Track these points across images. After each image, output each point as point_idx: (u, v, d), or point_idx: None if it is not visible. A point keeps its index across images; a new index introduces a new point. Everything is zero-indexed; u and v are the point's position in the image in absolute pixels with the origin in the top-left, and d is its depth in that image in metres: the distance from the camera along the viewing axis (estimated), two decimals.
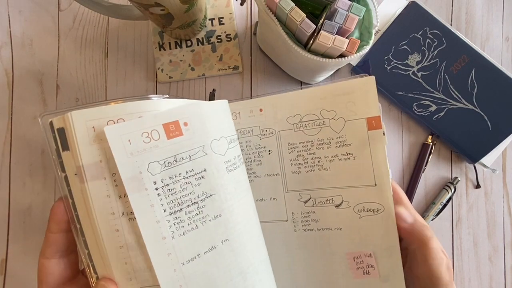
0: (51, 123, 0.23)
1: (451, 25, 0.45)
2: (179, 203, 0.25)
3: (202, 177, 0.26)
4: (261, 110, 0.34)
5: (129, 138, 0.23)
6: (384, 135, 0.30)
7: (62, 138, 0.23)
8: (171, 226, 0.24)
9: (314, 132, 0.32)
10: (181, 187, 0.25)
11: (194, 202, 0.25)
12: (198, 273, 0.25)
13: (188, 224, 0.25)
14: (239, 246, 0.27)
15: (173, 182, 0.24)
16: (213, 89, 0.39)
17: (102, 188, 0.23)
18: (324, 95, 0.32)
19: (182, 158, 0.25)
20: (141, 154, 0.23)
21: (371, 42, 0.32)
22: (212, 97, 0.41)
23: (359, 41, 0.31)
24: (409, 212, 0.30)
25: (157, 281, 0.23)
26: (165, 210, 0.24)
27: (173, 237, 0.24)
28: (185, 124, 0.25)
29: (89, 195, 0.23)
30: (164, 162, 0.24)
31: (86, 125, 0.22)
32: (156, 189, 0.24)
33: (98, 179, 0.23)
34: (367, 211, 0.31)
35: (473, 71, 0.42)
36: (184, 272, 0.24)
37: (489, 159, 0.43)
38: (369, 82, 0.30)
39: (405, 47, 0.43)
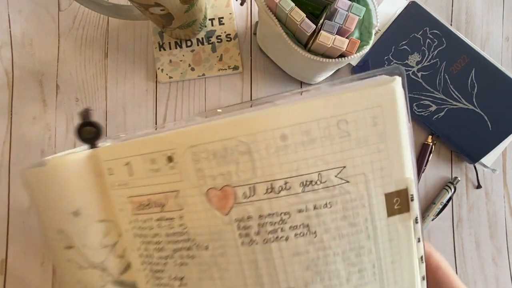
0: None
1: (451, 25, 0.45)
2: None
3: None
4: None
5: None
6: (417, 222, 0.23)
7: None
8: None
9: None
10: None
11: None
12: None
13: None
14: None
15: None
16: (87, 109, 0.27)
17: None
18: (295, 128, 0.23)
19: None
20: None
21: (371, 42, 0.32)
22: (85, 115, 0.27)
23: (359, 41, 0.31)
24: None
25: None
26: None
27: None
28: None
29: None
30: None
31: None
32: None
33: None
34: None
35: (473, 71, 0.42)
36: None
37: (489, 159, 0.43)
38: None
39: (405, 47, 0.43)
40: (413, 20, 0.43)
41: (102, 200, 0.25)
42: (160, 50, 0.43)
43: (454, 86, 0.43)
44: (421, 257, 0.24)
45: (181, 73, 0.43)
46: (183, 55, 0.43)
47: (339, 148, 0.22)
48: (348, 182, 0.22)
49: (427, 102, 0.43)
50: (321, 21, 0.31)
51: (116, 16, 0.37)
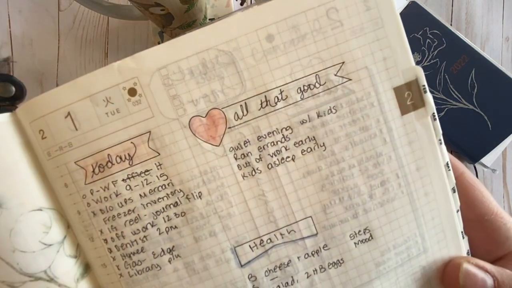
0: None
1: (451, 25, 0.45)
2: None
3: None
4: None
5: None
6: (435, 119, 0.20)
7: None
8: None
9: None
10: None
11: None
12: None
13: None
14: None
15: None
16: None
17: None
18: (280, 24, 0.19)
19: None
20: None
21: None
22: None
23: None
24: None
25: None
26: None
27: None
28: None
29: None
30: None
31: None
32: None
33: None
34: None
35: (473, 71, 0.42)
36: None
37: (489, 159, 0.43)
38: None
39: None
40: (413, 20, 0.43)
41: (35, 180, 0.19)
42: None
43: (454, 86, 0.43)
44: (447, 163, 0.21)
45: None
46: None
47: (334, 42, 0.19)
48: (350, 79, 0.19)
49: None
50: None
51: (116, 16, 0.37)
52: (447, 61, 0.43)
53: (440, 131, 0.20)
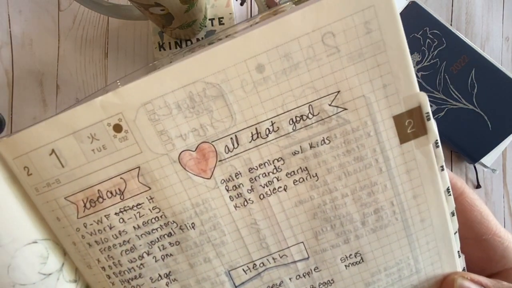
0: None
1: (451, 25, 0.45)
2: None
3: None
4: None
5: None
6: (438, 146, 0.20)
7: None
8: None
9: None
10: None
11: None
12: None
13: None
14: None
15: None
16: None
17: None
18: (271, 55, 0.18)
19: None
20: None
21: None
22: None
23: None
24: None
25: None
26: None
27: None
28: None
29: None
30: None
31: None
32: None
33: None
34: None
35: (473, 71, 0.42)
36: None
37: (489, 159, 0.43)
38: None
39: None
40: (413, 20, 0.43)
41: (26, 213, 0.18)
42: (160, 50, 0.43)
43: (454, 86, 0.43)
44: (447, 188, 0.20)
45: None
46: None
47: (329, 70, 0.18)
48: (345, 109, 0.18)
49: None
50: None
51: (116, 16, 0.37)
52: (447, 61, 0.43)
53: (442, 158, 0.19)
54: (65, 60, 0.43)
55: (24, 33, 0.44)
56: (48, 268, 0.19)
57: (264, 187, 0.19)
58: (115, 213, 0.19)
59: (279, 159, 0.19)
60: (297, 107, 0.18)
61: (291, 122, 0.18)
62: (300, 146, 0.19)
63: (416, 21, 0.43)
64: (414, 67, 0.43)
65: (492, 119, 0.42)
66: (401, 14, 0.43)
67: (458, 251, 0.22)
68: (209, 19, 0.43)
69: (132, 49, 0.44)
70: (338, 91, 0.18)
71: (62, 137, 0.18)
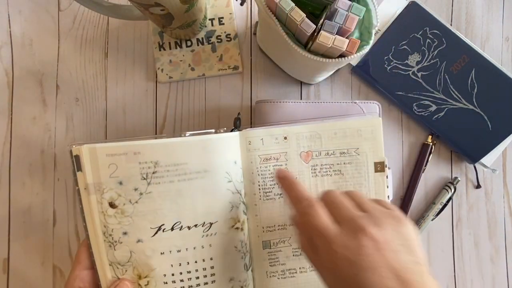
0: (70, 151, 0.30)
1: (451, 25, 0.45)
2: None
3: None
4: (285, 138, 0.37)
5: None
6: (387, 178, 0.37)
7: (77, 162, 0.30)
8: None
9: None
10: None
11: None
12: None
13: None
14: None
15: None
16: (238, 113, 0.39)
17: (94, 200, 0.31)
18: (335, 131, 0.37)
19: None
20: None
21: (371, 42, 0.32)
22: (237, 122, 0.38)
23: (359, 41, 0.31)
24: None
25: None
26: None
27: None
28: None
29: (91, 203, 0.31)
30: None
31: (90, 156, 0.30)
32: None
33: (93, 194, 0.31)
34: None
35: (473, 71, 0.42)
36: None
37: (489, 159, 0.43)
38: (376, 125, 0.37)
39: (405, 47, 0.43)
40: (413, 20, 0.43)
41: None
42: (160, 50, 0.43)
43: (454, 86, 0.43)
44: (387, 196, 0.38)
45: (181, 73, 0.43)
46: (183, 55, 0.43)
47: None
48: (358, 155, 0.37)
49: (427, 102, 0.43)
50: (321, 21, 0.31)
51: (116, 16, 0.37)
52: (447, 61, 0.43)
53: (389, 182, 0.37)
54: (65, 60, 0.43)
55: (24, 33, 0.44)
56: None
57: None
58: None
59: None
60: None
61: None
62: None
63: (416, 21, 0.43)
64: (414, 67, 0.43)
65: (492, 119, 0.42)
66: (401, 14, 0.43)
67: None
68: (209, 19, 0.43)
69: (132, 49, 0.44)
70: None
71: None
